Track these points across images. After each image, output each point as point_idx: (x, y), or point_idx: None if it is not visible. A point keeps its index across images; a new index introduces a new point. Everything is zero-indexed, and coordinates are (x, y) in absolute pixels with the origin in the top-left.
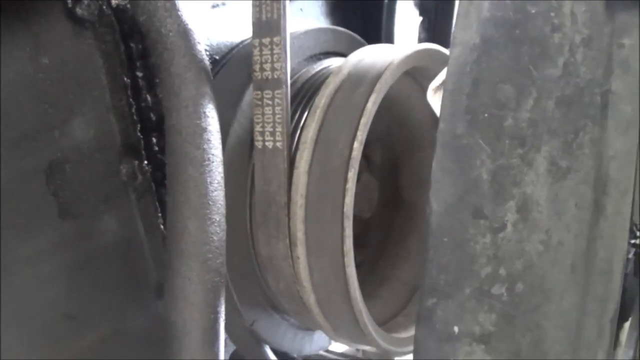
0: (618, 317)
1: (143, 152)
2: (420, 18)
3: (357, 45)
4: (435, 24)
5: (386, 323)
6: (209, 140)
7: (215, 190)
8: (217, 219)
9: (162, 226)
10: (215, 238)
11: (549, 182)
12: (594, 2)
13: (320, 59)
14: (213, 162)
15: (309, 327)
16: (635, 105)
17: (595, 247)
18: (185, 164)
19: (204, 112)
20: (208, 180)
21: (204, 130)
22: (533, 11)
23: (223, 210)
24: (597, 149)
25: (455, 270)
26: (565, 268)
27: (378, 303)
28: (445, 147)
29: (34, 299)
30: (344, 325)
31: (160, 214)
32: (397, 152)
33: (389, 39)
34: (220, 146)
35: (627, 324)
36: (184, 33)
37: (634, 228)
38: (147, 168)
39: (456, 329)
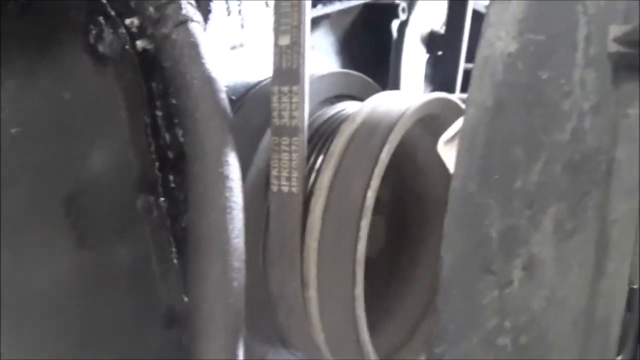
0: None
1: (160, 189)
2: (427, 55)
3: (369, 88)
4: (442, 60)
5: (390, 356)
6: (230, 188)
7: (236, 237)
8: (237, 265)
9: (175, 260)
10: (235, 284)
11: (554, 243)
12: (603, 70)
13: (333, 103)
14: (234, 209)
15: None
16: (637, 173)
17: (595, 305)
18: (207, 210)
19: (227, 160)
20: (230, 228)
21: (226, 178)
22: (544, 77)
23: (243, 256)
24: (601, 213)
25: (463, 320)
26: (566, 323)
27: (381, 336)
28: (457, 204)
29: (48, 327)
30: None
31: (174, 248)
32: (402, 188)
33: (397, 76)
34: (241, 194)
35: (619, 358)
36: (209, 81)
37: None
38: (163, 204)
39: None
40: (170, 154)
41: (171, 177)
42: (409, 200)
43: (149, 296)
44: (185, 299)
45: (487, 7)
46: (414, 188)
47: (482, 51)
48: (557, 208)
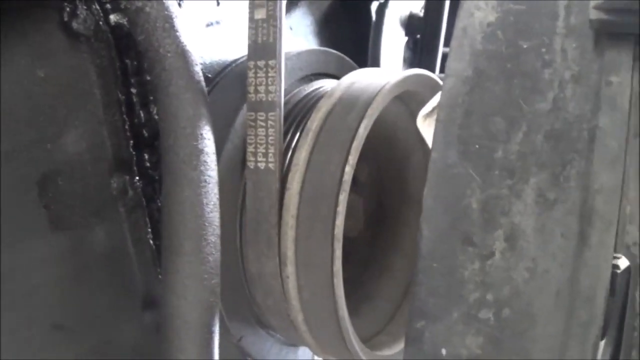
0: None
1: (135, 168)
2: (406, 38)
3: (346, 67)
4: (420, 43)
5: (368, 341)
6: (205, 162)
7: (211, 212)
8: (213, 240)
9: (150, 240)
10: (210, 259)
11: (536, 213)
12: (584, 39)
13: (311, 80)
14: (209, 183)
15: (294, 343)
16: (621, 141)
17: (579, 276)
18: (182, 185)
19: (201, 134)
20: (204, 202)
21: (201, 152)
22: (525, 46)
23: (218, 231)
24: (584, 182)
25: (444, 294)
26: (550, 295)
27: (360, 320)
28: (437, 175)
29: (24, 309)
30: (330, 342)
31: (150, 229)
32: (382, 171)
33: (376, 58)
34: (215, 168)
35: (602, 342)
36: (182, 54)
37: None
38: (138, 183)
39: (444, 351)
40: (145, 133)
41: (146, 156)
42: (388, 183)
43: (125, 278)
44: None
45: None
46: (394, 170)
47: (461, 21)
48: (538, 178)
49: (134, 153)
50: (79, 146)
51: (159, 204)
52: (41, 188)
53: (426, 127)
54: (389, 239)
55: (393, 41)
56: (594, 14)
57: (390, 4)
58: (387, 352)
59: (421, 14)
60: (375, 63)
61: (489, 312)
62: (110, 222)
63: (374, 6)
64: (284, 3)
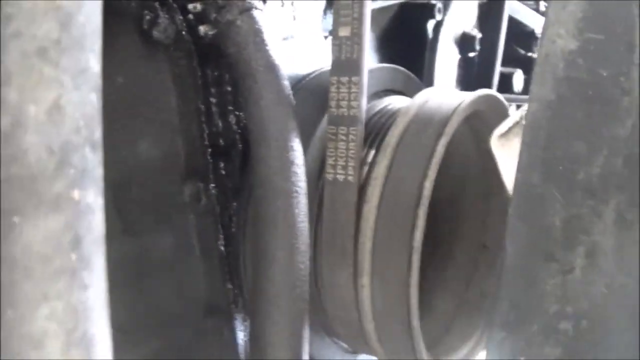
0: None
1: (210, 176)
2: (459, 56)
3: (412, 83)
4: (477, 63)
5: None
6: (296, 172)
7: (302, 222)
8: (303, 249)
9: (222, 247)
10: (301, 267)
11: (616, 232)
12: None
13: (381, 97)
14: (300, 194)
15: (358, 351)
16: None
17: None
18: (274, 195)
19: (291, 146)
20: (296, 212)
21: (292, 163)
22: (604, 74)
23: (307, 240)
24: None
25: (525, 307)
26: (625, 309)
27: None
28: (521, 195)
29: None
30: (399, 351)
31: (221, 235)
32: (438, 186)
33: (430, 76)
34: (305, 179)
35: None
36: (273, 68)
37: None
38: (212, 191)
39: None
40: (222, 141)
41: (222, 164)
42: (444, 197)
43: (189, 284)
44: (229, 286)
45: (546, 6)
46: (449, 186)
47: (543, 49)
48: (618, 199)
49: (210, 161)
50: (153, 153)
51: (231, 212)
52: (115, 192)
53: (499, 147)
54: (445, 253)
55: (447, 59)
56: None
57: (445, 22)
58: (453, 356)
59: (475, 33)
60: (431, 79)
61: (568, 324)
62: (180, 229)
63: (430, 24)
64: (368, 22)
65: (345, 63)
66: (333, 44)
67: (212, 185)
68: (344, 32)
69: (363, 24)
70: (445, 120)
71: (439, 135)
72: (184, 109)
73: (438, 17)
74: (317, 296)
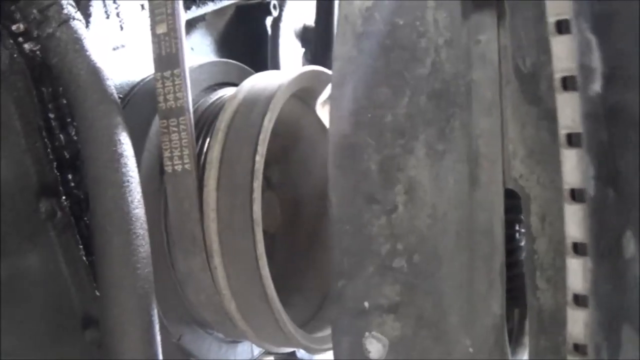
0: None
1: (60, 189)
2: (303, 49)
3: (247, 75)
4: (316, 53)
5: (302, 327)
6: (125, 164)
7: (137, 208)
8: (141, 233)
9: (84, 258)
10: (141, 250)
11: (429, 165)
12: (452, 8)
13: (215, 90)
14: (132, 183)
15: (232, 338)
16: (494, 90)
17: (475, 213)
18: (105, 187)
19: (119, 140)
20: (129, 199)
21: (120, 155)
22: (401, 22)
23: (145, 225)
24: (467, 131)
25: (357, 252)
26: (452, 235)
27: (291, 310)
28: (336, 146)
29: None
30: (265, 327)
31: (81, 246)
32: (293, 171)
33: (275, 68)
34: (136, 169)
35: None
36: (94, 70)
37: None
38: (65, 204)
39: (366, 304)
40: (67, 154)
41: (70, 177)
42: (301, 180)
43: (63, 299)
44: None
45: None
46: (304, 166)
47: (342, 10)
48: (427, 133)
49: (58, 175)
50: (7, 176)
51: (87, 221)
52: None
53: (325, 113)
54: (308, 235)
55: (290, 53)
56: None
57: (283, 17)
58: (319, 334)
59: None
60: None
61: (402, 261)
62: (43, 247)
63: (268, 21)
64: (182, 16)
65: (166, 58)
66: (152, 42)
67: (64, 198)
68: (161, 29)
69: (177, 18)
70: (270, 98)
71: (265, 113)
72: (27, 128)
73: (274, 13)
74: (179, 287)
